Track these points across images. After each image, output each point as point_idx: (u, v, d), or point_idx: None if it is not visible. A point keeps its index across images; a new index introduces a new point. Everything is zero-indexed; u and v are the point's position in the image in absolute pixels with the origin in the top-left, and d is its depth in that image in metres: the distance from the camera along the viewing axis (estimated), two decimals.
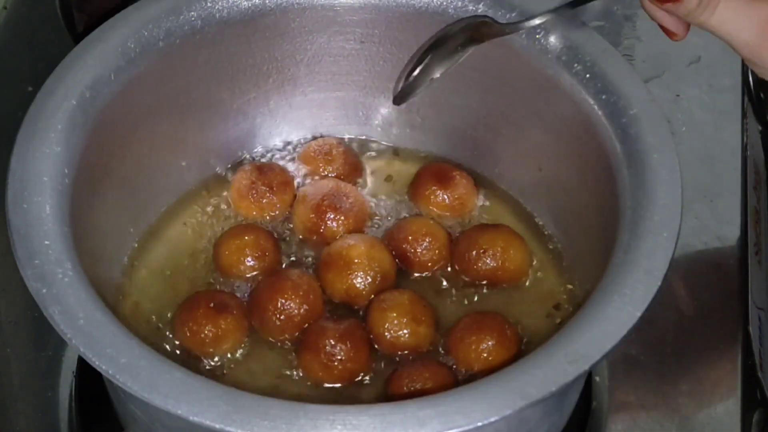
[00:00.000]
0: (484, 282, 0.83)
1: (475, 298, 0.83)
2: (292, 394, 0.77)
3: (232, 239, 0.83)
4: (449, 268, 0.84)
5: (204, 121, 0.87)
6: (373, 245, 0.82)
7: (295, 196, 0.88)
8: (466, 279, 0.83)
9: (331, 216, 0.84)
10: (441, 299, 0.83)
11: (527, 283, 0.83)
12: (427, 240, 0.83)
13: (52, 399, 0.82)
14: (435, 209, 0.87)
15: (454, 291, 0.83)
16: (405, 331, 0.78)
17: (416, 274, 0.84)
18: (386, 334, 0.79)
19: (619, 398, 0.82)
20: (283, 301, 0.79)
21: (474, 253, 0.82)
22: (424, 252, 0.83)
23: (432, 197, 0.87)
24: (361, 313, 0.81)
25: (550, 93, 0.81)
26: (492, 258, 0.82)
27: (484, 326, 0.78)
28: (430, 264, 0.84)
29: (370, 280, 0.81)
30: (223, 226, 0.87)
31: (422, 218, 0.86)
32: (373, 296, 0.81)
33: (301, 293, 0.79)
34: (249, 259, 0.82)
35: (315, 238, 0.85)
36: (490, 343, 0.77)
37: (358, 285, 0.81)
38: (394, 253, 0.84)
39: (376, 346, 0.79)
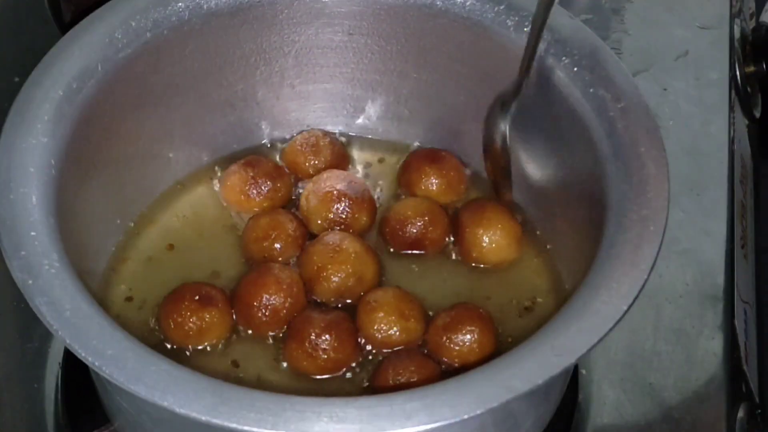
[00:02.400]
0: (475, 263, 0.83)
1: (462, 284, 0.83)
2: (278, 386, 0.77)
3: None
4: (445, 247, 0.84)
5: (191, 113, 0.87)
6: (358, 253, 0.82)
7: (285, 188, 0.87)
8: (458, 258, 0.83)
9: (348, 206, 0.84)
10: (431, 281, 0.83)
11: (513, 275, 0.84)
12: (425, 218, 0.83)
13: (38, 390, 0.82)
14: (428, 191, 0.87)
15: (443, 273, 0.83)
16: (395, 329, 0.78)
17: (409, 252, 0.84)
18: (377, 334, 0.78)
19: (605, 391, 0.83)
20: (267, 296, 0.79)
21: (461, 233, 0.82)
22: (420, 231, 0.83)
23: (424, 178, 0.86)
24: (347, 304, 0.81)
25: (538, 86, 0.81)
26: (481, 236, 0.82)
27: (463, 322, 0.77)
28: (427, 242, 0.84)
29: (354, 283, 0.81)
30: (210, 218, 0.86)
31: (416, 198, 0.86)
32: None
33: (284, 287, 0.79)
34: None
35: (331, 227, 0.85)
36: (469, 338, 0.77)
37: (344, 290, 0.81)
38: (387, 235, 0.84)
39: (370, 348, 0.79)
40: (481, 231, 0.82)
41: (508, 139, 0.83)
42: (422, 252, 0.84)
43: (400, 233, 0.84)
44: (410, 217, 0.84)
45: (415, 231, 0.83)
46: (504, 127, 0.82)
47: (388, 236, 0.84)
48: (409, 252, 0.84)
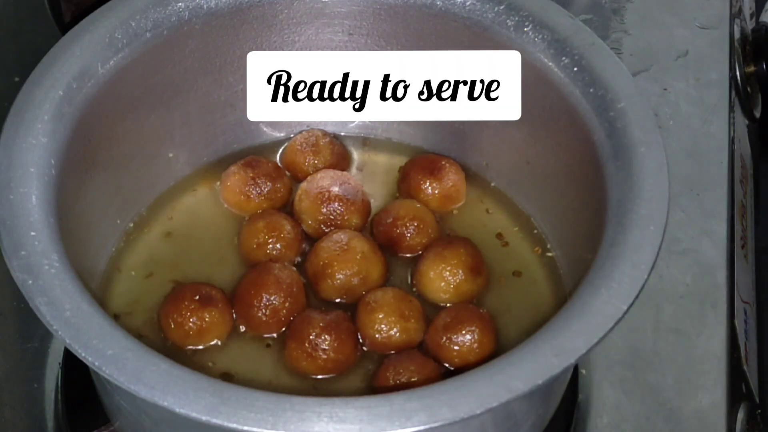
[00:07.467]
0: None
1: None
2: (278, 386, 0.77)
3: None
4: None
5: (191, 113, 0.87)
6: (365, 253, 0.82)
7: (285, 188, 0.87)
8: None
9: (340, 206, 0.84)
10: None
11: (512, 275, 0.84)
12: (415, 223, 0.83)
13: (38, 390, 0.82)
14: (427, 202, 0.86)
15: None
16: (395, 330, 0.78)
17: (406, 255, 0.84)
18: (377, 335, 0.78)
19: (605, 391, 0.83)
20: (267, 296, 0.79)
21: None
22: (413, 235, 0.83)
23: (423, 190, 0.86)
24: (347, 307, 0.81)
25: (537, 86, 0.81)
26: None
27: (463, 322, 0.77)
28: (419, 247, 0.84)
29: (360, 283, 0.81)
30: (210, 218, 0.86)
31: (409, 201, 0.86)
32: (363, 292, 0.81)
33: (284, 287, 0.79)
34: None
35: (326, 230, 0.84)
36: (469, 338, 0.77)
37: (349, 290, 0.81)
38: (382, 234, 0.84)
39: (368, 350, 0.79)
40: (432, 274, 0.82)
41: None
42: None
43: (386, 233, 0.84)
44: (401, 218, 0.84)
45: (399, 232, 0.83)
46: None
47: (378, 237, 0.84)
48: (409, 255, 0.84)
